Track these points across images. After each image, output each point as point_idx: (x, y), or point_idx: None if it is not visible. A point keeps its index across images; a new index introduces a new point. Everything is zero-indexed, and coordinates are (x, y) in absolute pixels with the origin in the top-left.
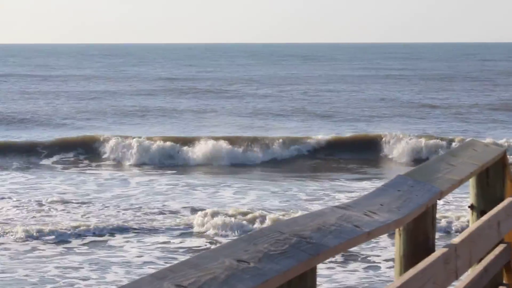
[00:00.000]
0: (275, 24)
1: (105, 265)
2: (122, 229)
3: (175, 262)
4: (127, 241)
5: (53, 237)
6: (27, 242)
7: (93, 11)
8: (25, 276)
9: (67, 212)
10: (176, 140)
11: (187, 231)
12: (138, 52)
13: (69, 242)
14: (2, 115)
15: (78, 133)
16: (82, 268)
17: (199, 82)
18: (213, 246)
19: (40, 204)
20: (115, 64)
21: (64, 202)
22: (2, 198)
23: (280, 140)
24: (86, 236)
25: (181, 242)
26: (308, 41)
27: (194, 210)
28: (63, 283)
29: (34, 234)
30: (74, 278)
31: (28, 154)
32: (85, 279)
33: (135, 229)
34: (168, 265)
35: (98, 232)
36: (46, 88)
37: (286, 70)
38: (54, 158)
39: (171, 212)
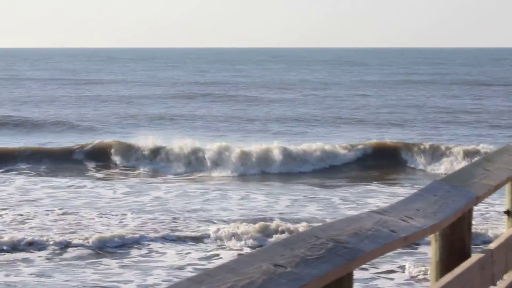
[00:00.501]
0: (306, 28)
1: (145, 270)
2: (158, 235)
3: (212, 266)
4: (164, 247)
5: (89, 243)
6: (62, 247)
7: (123, 16)
8: (65, 281)
9: (101, 218)
10: (203, 146)
11: (222, 237)
12: (170, 56)
13: (105, 247)
14: (36, 120)
15: (111, 138)
16: (122, 272)
17: (230, 87)
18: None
19: (74, 209)
20: (145, 68)
21: (98, 208)
22: (38, 203)
23: (313, 147)
24: (122, 242)
25: (216, 248)
26: (338, 46)
27: (227, 217)
28: (104, 286)
29: (68, 240)
30: (115, 282)
31: (63, 159)
32: (126, 282)
33: (171, 235)
34: (205, 269)
35: (134, 238)
36: (76, 93)
37: (315, 75)
38: (88, 163)
39: (206, 218)
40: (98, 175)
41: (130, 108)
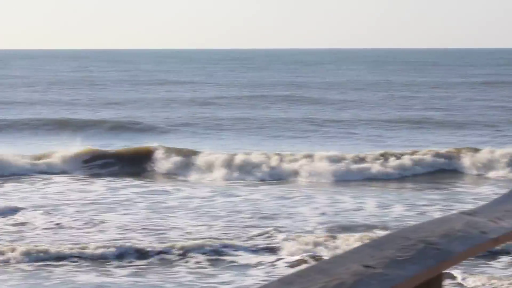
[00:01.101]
0: (387, 29)
1: (241, 271)
2: (247, 238)
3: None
4: (253, 250)
5: (179, 246)
6: (153, 249)
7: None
8: (159, 281)
9: (190, 219)
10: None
11: (308, 242)
12: (249, 57)
13: (194, 250)
14: (116, 122)
15: (189, 141)
16: (217, 273)
17: (308, 88)
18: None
19: (162, 211)
20: (224, 69)
21: (188, 209)
22: (127, 205)
23: (398, 152)
24: (212, 247)
25: (301, 253)
26: (419, 47)
27: (315, 220)
28: (202, 287)
29: (159, 241)
30: (212, 283)
31: (143, 161)
32: (226, 283)
33: (260, 237)
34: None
35: (223, 242)
36: (155, 94)
37: (397, 76)
38: (167, 166)
39: (294, 222)
40: (180, 177)
41: (209, 110)
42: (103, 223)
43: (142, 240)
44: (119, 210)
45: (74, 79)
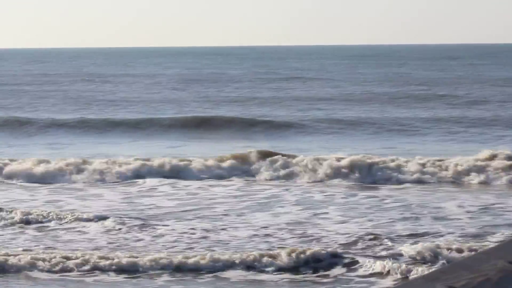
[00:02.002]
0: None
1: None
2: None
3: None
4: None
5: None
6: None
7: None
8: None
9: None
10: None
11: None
12: (394, 53)
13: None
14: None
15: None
16: (363, 269)
17: (448, 85)
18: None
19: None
20: (372, 66)
21: (335, 204)
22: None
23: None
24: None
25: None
26: None
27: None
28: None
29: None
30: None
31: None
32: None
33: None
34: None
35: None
36: (287, 91)
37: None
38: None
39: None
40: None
41: (344, 109)
42: (251, 221)
43: (287, 239)
44: (270, 209)
45: (210, 75)
